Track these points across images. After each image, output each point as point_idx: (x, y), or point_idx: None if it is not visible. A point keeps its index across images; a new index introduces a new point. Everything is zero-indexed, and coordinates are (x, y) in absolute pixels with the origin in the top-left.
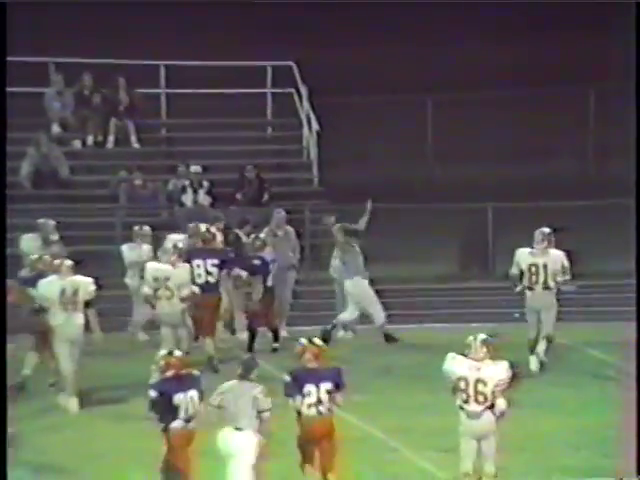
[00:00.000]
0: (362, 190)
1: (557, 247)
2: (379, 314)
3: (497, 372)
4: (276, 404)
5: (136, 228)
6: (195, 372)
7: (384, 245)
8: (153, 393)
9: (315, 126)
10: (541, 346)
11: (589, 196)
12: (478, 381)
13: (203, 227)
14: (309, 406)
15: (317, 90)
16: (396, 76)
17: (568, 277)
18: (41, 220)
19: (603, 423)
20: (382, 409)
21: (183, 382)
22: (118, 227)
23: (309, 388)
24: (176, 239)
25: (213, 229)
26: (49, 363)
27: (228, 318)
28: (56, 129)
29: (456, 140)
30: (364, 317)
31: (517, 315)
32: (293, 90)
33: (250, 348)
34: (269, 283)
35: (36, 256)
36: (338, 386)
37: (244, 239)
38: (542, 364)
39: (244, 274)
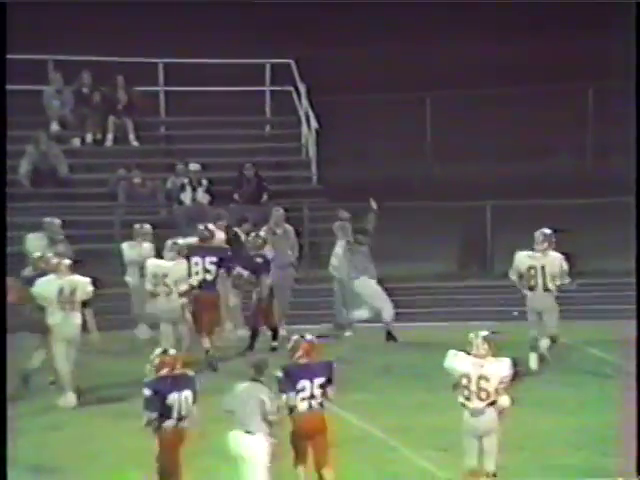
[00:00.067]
0: (361, 188)
1: (557, 246)
2: (388, 311)
3: (500, 369)
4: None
5: (137, 226)
6: (190, 372)
7: (383, 243)
8: (147, 391)
9: (314, 124)
10: (544, 343)
11: (588, 194)
12: (481, 378)
13: (201, 226)
14: (302, 400)
15: (316, 88)
16: (395, 74)
17: (566, 280)
18: (47, 219)
19: (603, 422)
20: (382, 408)
21: (178, 382)
22: (117, 225)
23: (303, 383)
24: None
25: (211, 227)
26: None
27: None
28: (55, 127)
29: (455, 138)
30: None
31: (516, 313)
32: (292, 88)
33: (251, 347)
34: (269, 281)
35: (38, 254)
36: (330, 380)
37: (243, 237)
38: (543, 359)
39: (245, 273)
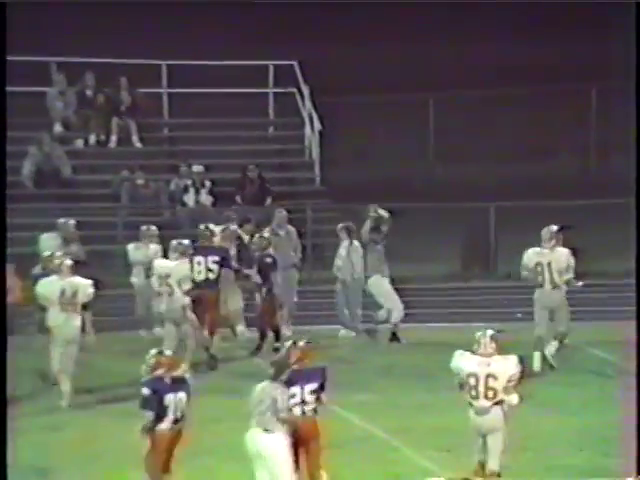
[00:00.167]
0: (364, 189)
1: (564, 244)
2: (397, 313)
3: (508, 367)
4: None
5: (143, 228)
6: (186, 374)
7: (386, 245)
8: (146, 390)
9: (317, 125)
10: (551, 347)
11: (590, 195)
12: (489, 376)
13: (202, 226)
14: (293, 406)
15: (319, 89)
16: (398, 76)
17: (571, 275)
18: (61, 219)
19: (605, 422)
20: (383, 408)
21: (174, 383)
22: (120, 226)
23: (293, 390)
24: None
25: (212, 227)
26: None
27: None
28: (58, 128)
29: (458, 139)
30: (365, 317)
31: (519, 315)
32: (295, 89)
33: (259, 348)
34: (279, 280)
35: (48, 254)
36: (323, 386)
37: (246, 238)
38: (551, 367)
39: (254, 274)
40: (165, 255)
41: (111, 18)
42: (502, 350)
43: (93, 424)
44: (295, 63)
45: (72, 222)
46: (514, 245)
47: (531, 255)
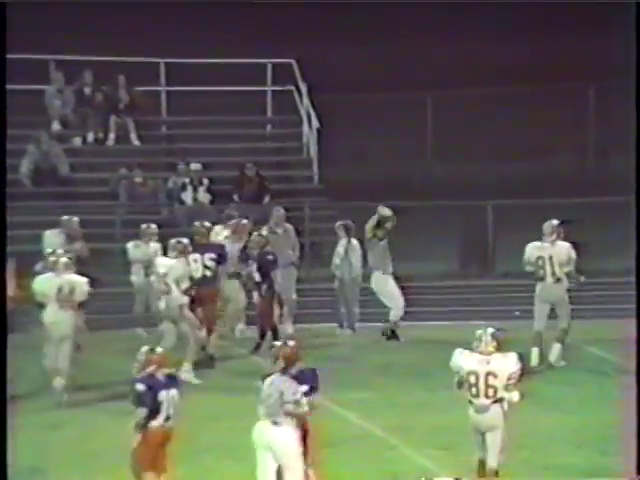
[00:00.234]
0: (362, 188)
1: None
2: (396, 311)
3: (507, 364)
4: None
5: (144, 226)
6: (175, 372)
7: (390, 241)
8: (141, 386)
9: (315, 123)
10: (555, 351)
11: (589, 193)
12: (489, 374)
13: (197, 223)
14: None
15: (317, 87)
16: (396, 73)
17: (572, 268)
18: (65, 217)
19: (602, 421)
20: (381, 407)
21: (167, 380)
22: (118, 225)
23: None
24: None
25: (207, 224)
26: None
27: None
28: (56, 126)
29: (456, 138)
30: (363, 315)
31: (518, 313)
32: (293, 87)
33: (258, 346)
34: (279, 279)
35: (50, 251)
36: (314, 388)
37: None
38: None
39: (256, 274)
40: (165, 253)
41: (109, 16)
42: (501, 348)
43: (92, 422)
44: (293, 61)
45: (76, 219)
46: (512, 243)
47: (532, 249)
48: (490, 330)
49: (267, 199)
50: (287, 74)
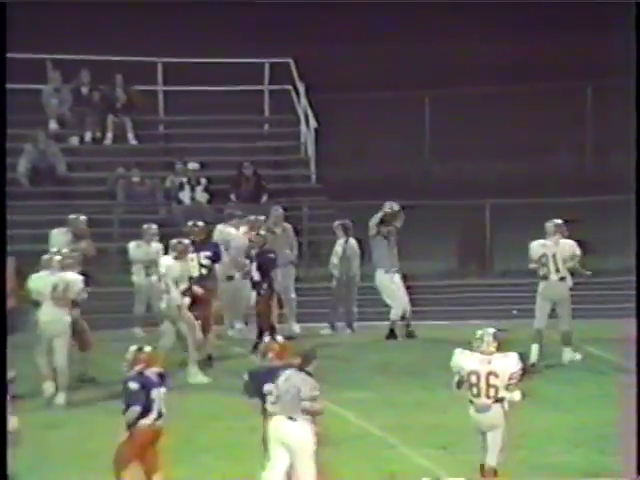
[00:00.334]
0: (360, 187)
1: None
2: (395, 310)
3: (508, 364)
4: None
5: (145, 227)
6: (163, 370)
7: (397, 240)
8: (134, 384)
9: (313, 123)
10: (566, 355)
11: (587, 192)
12: (490, 374)
13: (190, 222)
14: (272, 404)
15: (315, 87)
16: (394, 73)
17: (575, 263)
18: (72, 215)
19: (601, 420)
20: (380, 406)
21: (158, 379)
22: (116, 224)
23: (269, 387)
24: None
25: (200, 224)
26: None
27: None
28: (53, 126)
29: (454, 137)
30: (361, 314)
31: (515, 312)
32: (291, 87)
33: (257, 345)
34: (279, 278)
35: (55, 250)
36: None
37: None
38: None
39: (256, 273)
40: (167, 253)
41: (107, 16)
42: (500, 347)
43: (91, 422)
44: (291, 60)
45: (83, 218)
46: (510, 242)
47: (536, 247)
48: (492, 330)
49: (264, 198)
50: (285, 73)
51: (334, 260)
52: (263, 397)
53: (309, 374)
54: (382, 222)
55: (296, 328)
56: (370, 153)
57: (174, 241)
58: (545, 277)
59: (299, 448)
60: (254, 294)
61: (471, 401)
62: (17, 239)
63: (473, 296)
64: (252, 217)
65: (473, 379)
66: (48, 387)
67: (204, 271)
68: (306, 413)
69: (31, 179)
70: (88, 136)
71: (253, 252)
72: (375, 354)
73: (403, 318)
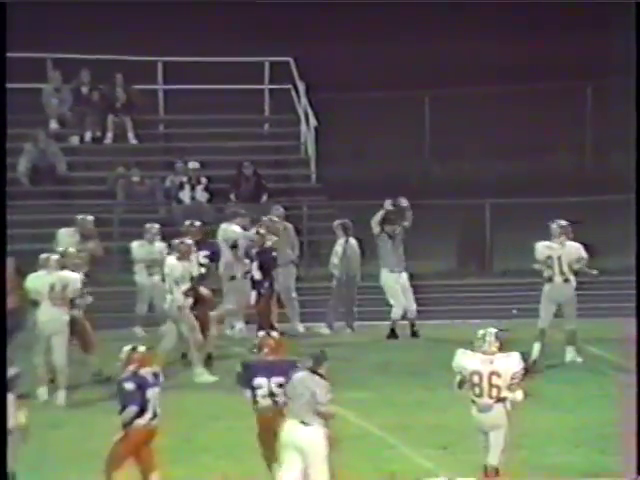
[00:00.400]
0: (360, 186)
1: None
2: (396, 310)
3: (510, 364)
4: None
5: (147, 226)
6: (156, 370)
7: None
8: (130, 385)
9: (313, 122)
10: (569, 355)
11: (587, 192)
12: (492, 374)
13: (187, 222)
14: (263, 397)
15: (315, 86)
16: (394, 72)
17: (583, 266)
18: (80, 215)
19: (601, 420)
20: (380, 406)
21: (153, 379)
22: (116, 223)
23: (259, 381)
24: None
25: (197, 223)
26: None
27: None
28: (54, 125)
29: (454, 137)
30: (362, 314)
31: (515, 311)
32: (291, 86)
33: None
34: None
35: (62, 249)
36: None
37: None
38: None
39: (257, 272)
40: (169, 253)
41: (107, 15)
42: (502, 347)
43: (91, 422)
44: (291, 60)
45: (90, 218)
46: (510, 242)
47: (541, 248)
48: (494, 330)
49: (264, 198)
50: (285, 72)
51: (334, 260)
52: (254, 389)
53: (321, 376)
54: (386, 221)
55: (300, 328)
56: (370, 153)
57: (177, 241)
58: (550, 279)
59: (312, 452)
60: (254, 293)
61: (473, 401)
62: (17, 239)
63: (473, 296)
64: (266, 218)
65: (475, 379)
66: (42, 393)
67: (203, 270)
68: (321, 417)
69: (31, 179)
70: (88, 136)
71: (253, 251)
72: (375, 354)
73: (404, 318)
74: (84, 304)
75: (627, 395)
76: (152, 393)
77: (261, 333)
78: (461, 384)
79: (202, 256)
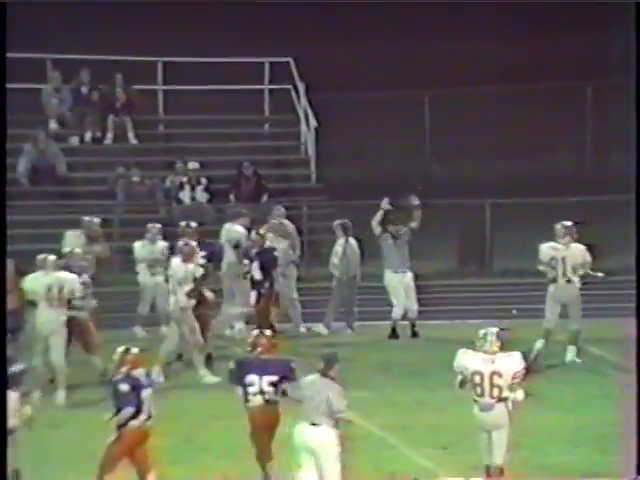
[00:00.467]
0: (360, 186)
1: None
2: (396, 309)
3: (512, 364)
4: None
5: (149, 226)
6: (148, 371)
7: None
8: (125, 386)
9: (313, 122)
10: (570, 355)
11: (587, 192)
12: (494, 373)
13: (183, 223)
14: (254, 395)
15: (315, 86)
16: (394, 72)
17: (587, 270)
18: (86, 217)
19: (601, 420)
20: (380, 406)
21: (147, 380)
22: (116, 224)
23: (251, 378)
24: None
25: (193, 224)
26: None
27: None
28: (54, 125)
29: (454, 136)
30: (362, 314)
31: (515, 312)
32: (291, 86)
33: None
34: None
35: (67, 250)
36: (287, 378)
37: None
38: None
39: (257, 272)
40: (172, 252)
41: (107, 15)
42: (503, 347)
43: (91, 422)
44: (291, 60)
45: (97, 220)
46: (510, 242)
47: (547, 249)
48: (495, 330)
49: (265, 198)
50: (285, 73)
51: (334, 260)
52: (245, 386)
53: (333, 379)
54: (387, 221)
55: (302, 328)
56: (370, 153)
57: (181, 243)
58: (554, 280)
59: (323, 452)
60: (254, 293)
61: (475, 400)
62: (17, 239)
63: (473, 296)
64: (274, 221)
65: (477, 379)
66: (36, 396)
67: (201, 271)
68: (330, 417)
69: (31, 179)
70: (88, 136)
71: (253, 251)
72: (376, 354)
73: (404, 318)
74: (89, 307)
75: (627, 395)
76: (146, 394)
77: (254, 332)
78: (462, 384)
79: (200, 257)
